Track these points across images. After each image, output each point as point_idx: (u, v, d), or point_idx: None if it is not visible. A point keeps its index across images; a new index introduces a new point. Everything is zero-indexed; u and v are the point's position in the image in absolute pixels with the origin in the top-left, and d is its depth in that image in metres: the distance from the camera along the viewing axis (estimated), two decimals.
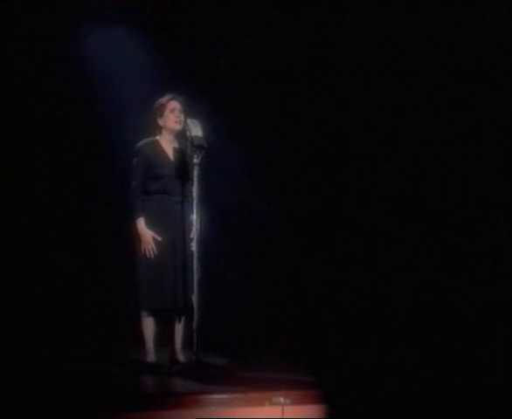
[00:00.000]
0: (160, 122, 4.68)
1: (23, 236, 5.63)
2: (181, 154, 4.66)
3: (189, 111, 4.68)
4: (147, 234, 4.52)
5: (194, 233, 4.49)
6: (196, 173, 4.42)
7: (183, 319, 4.60)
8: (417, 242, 3.69)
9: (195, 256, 4.38)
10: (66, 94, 5.76)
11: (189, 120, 4.54)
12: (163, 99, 4.68)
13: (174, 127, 4.65)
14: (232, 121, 5.73)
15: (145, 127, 4.78)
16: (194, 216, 4.45)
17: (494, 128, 3.48)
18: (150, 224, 4.55)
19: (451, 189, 3.54)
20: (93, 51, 5.73)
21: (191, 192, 4.47)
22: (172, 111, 4.66)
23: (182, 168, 4.62)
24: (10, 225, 5.58)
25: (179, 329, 4.62)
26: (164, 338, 4.63)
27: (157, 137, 4.70)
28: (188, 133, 4.50)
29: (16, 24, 5.51)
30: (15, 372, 4.43)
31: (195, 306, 4.34)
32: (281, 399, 3.77)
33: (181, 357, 4.57)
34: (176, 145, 4.70)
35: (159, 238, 4.52)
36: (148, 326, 4.56)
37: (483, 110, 3.52)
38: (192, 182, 4.45)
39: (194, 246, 4.44)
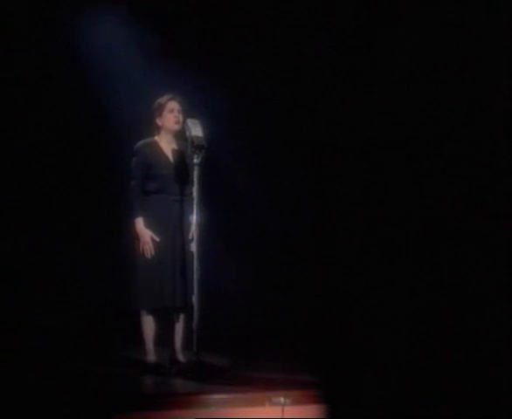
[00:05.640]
0: (159, 122, 4.68)
1: (23, 235, 5.63)
2: (180, 155, 4.66)
3: (188, 111, 4.68)
4: (145, 234, 4.52)
5: (193, 233, 4.49)
6: (196, 173, 4.42)
7: (182, 318, 4.60)
8: (417, 242, 3.69)
9: (195, 256, 4.39)
10: (65, 93, 5.76)
11: (188, 120, 4.54)
12: (162, 99, 4.68)
13: (173, 127, 4.65)
14: (233, 120, 5.73)
15: (144, 127, 4.78)
16: (194, 217, 4.45)
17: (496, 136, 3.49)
18: (149, 224, 4.55)
19: (454, 193, 3.55)
20: (94, 48, 5.73)
21: (191, 192, 4.47)
22: (171, 111, 4.65)
23: (181, 168, 4.62)
24: (9, 224, 5.57)
25: (179, 329, 4.62)
26: (164, 338, 4.63)
27: (156, 137, 4.70)
28: (188, 134, 4.50)
29: (12, 18, 5.51)
30: (15, 372, 4.42)
31: (195, 306, 4.34)
32: (281, 399, 3.77)
33: (181, 357, 4.57)
34: (175, 145, 4.70)
35: (157, 238, 4.53)
36: (148, 325, 4.56)
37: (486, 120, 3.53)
38: (192, 182, 4.45)
39: (194, 246, 4.44)
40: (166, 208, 4.59)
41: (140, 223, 4.54)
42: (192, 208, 4.46)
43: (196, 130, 4.47)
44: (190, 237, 4.56)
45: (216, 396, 3.84)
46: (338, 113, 4.20)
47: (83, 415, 3.67)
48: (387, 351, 3.64)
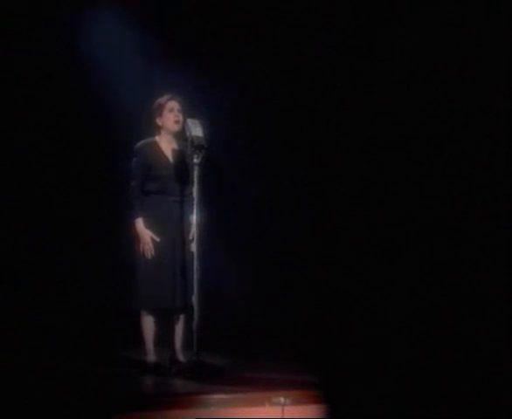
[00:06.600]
0: (159, 122, 4.67)
1: (23, 235, 5.62)
2: (180, 155, 4.65)
3: (188, 110, 4.68)
4: (145, 234, 4.52)
5: (193, 233, 4.49)
6: (196, 173, 4.41)
7: (182, 319, 4.60)
8: (417, 242, 3.69)
9: (195, 256, 4.38)
10: (65, 93, 5.75)
11: (189, 120, 4.54)
12: (162, 99, 4.67)
13: (173, 126, 4.65)
14: (233, 120, 5.73)
15: (144, 127, 4.78)
16: (194, 217, 4.45)
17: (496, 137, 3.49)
18: (149, 225, 4.54)
19: (454, 193, 3.55)
20: (94, 48, 5.73)
21: (191, 192, 4.47)
22: (171, 110, 4.65)
23: (181, 168, 4.61)
24: (10, 224, 5.57)
25: (179, 329, 4.62)
26: (164, 338, 4.63)
27: (156, 137, 4.70)
28: (188, 133, 4.50)
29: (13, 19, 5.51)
30: (15, 372, 4.42)
31: (195, 306, 4.34)
32: (281, 399, 3.77)
33: (181, 357, 4.57)
34: (175, 145, 4.70)
35: (157, 239, 4.53)
36: (148, 325, 4.56)
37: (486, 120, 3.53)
38: (192, 182, 4.44)
39: (194, 246, 4.44)
40: (166, 208, 4.59)
41: (140, 224, 4.54)
42: (192, 208, 4.45)
43: (196, 130, 4.47)
44: (191, 238, 4.56)
45: (216, 396, 3.84)
46: (338, 113, 4.20)
47: (83, 415, 3.67)
48: (387, 351, 3.64)
